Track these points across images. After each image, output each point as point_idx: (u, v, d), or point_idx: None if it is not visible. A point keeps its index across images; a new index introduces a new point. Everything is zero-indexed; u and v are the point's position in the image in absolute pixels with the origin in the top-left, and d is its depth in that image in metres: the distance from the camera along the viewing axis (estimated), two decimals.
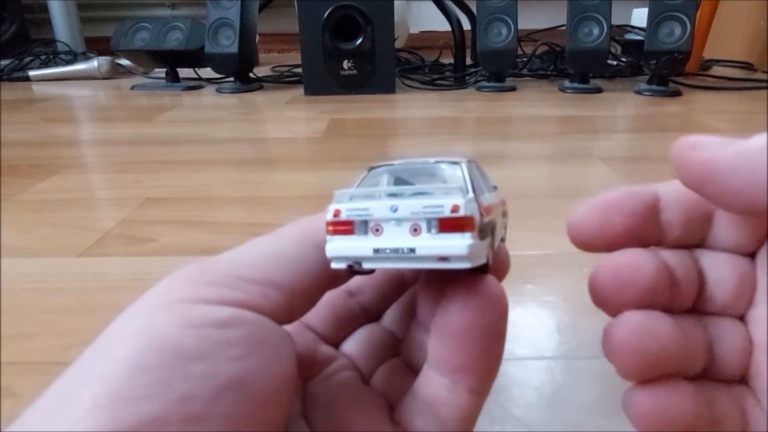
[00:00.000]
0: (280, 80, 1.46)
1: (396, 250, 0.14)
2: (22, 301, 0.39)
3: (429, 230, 0.13)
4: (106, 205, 0.59)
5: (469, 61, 1.44)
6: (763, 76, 1.32)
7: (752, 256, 0.16)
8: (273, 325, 0.14)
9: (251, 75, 1.36)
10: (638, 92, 1.18)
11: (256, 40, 1.38)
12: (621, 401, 0.16)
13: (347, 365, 0.18)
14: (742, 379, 0.16)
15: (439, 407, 0.15)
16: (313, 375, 0.18)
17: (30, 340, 0.35)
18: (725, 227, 0.16)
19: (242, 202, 0.59)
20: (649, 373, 0.15)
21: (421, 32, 2.30)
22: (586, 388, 0.29)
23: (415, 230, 0.14)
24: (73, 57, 1.72)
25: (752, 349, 0.16)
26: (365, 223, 0.14)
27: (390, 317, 0.20)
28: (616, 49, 1.43)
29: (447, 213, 0.13)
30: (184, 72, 1.43)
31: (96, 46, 1.90)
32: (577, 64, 1.20)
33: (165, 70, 1.40)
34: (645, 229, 0.17)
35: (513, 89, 1.27)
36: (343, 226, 0.14)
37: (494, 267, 0.16)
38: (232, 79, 1.33)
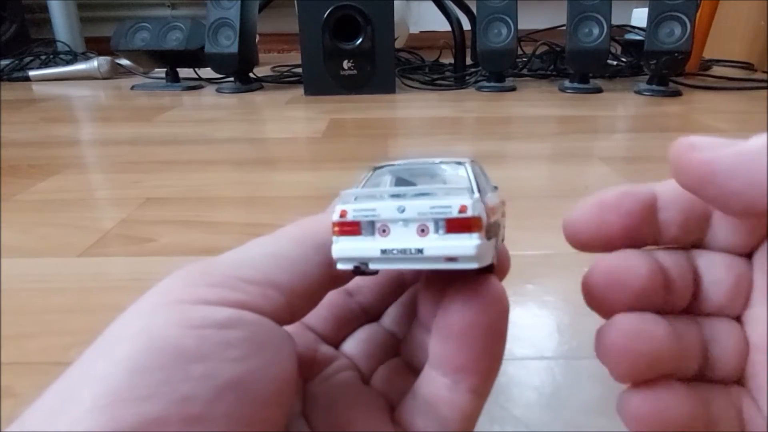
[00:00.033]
0: (280, 80, 1.46)
1: (404, 251, 0.13)
2: (22, 301, 0.39)
3: (436, 231, 0.13)
4: (106, 205, 0.59)
5: (469, 61, 1.44)
6: (763, 76, 1.32)
7: (749, 256, 0.16)
8: (273, 325, 0.14)
9: (251, 75, 1.36)
10: (638, 92, 1.18)
11: (256, 40, 1.38)
12: (616, 403, 0.16)
13: (347, 365, 0.18)
14: (739, 380, 0.16)
15: (440, 407, 0.15)
16: (313, 375, 0.18)
17: (30, 340, 0.35)
18: (722, 227, 0.16)
19: (242, 202, 0.59)
20: (643, 375, 0.15)
21: (421, 32, 2.30)
22: (586, 388, 0.29)
23: (423, 231, 0.14)
24: (73, 57, 1.72)
25: (749, 350, 0.16)
26: (372, 223, 0.14)
27: (390, 317, 0.20)
28: (616, 49, 1.43)
29: (455, 213, 0.13)
30: (184, 72, 1.43)
31: (96, 46, 1.91)
32: (577, 64, 1.20)
33: (165, 70, 1.40)
34: (642, 229, 0.16)
35: (513, 89, 1.27)
36: (350, 227, 0.14)
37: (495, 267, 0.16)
38: (232, 79, 1.33)
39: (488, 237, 0.14)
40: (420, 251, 0.13)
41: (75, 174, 0.70)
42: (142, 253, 0.47)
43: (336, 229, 0.14)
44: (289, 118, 1.04)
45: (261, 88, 1.36)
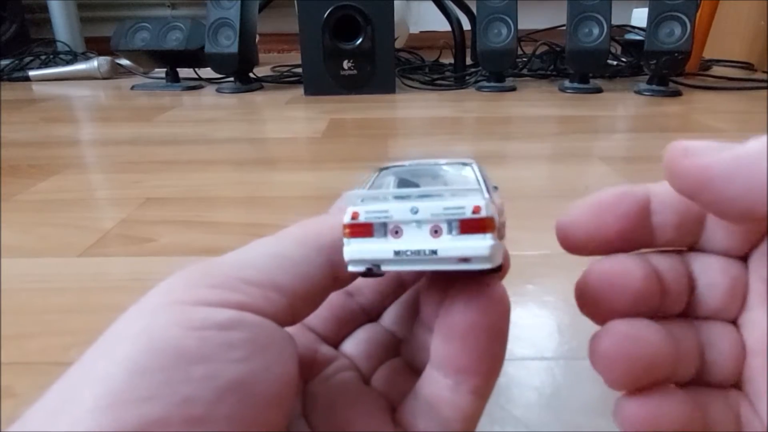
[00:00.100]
0: (280, 80, 1.46)
1: (417, 252, 0.13)
2: (22, 301, 0.39)
3: (450, 231, 0.13)
4: (106, 205, 0.59)
5: (469, 61, 1.44)
6: (763, 76, 1.32)
7: (744, 258, 0.16)
8: (275, 327, 0.14)
9: (251, 75, 1.36)
10: (638, 92, 1.18)
11: (256, 40, 1.38)
12: (612, 409, 0.16)
13: (347, 365, 0.18)
14: (736, 384, 0.16)
15: (441, 408, 0.15)
16: (313, 375, 0.18)
17: (30, 340, 0.35)
18: (717, 230, 0.16)
19: (242, 202, 0.59)
20: (639, 382, 0.15)
21: (421, 32, 2.30)
22: (586, 389, 0.29)
23: (436, 232, 0.13)
24: (73, 57, 1.72)
25: (745, 353, 0.16)
26: (384, 225, 0.14)
27: (390, 317, 0.20)
28: (616, 49, 1.43)
29: (468, 214, 0.13)
30: (184, 72, 1.43)
31: (96, 46, 1.91)
32: (577, 64, 1.20)
33: (165, 70, 1.40)
34: (636, 232, 0.16)
35: (513, 89, 1.27)
36: (362, 229, 0.14)
37: None
38: (232, 79, 1.33)
39: (500, 237, 0.14)
40: (434, 252, 0.13)
41: (75, 174, 0.70)
42: (142, 253, 0.47)
43: (347, 230, 0.14)
44: (289, 118, 1.04)
45: (261, 88, 1.36)
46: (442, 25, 1.41)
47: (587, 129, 0.90)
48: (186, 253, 0.46)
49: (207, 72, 1.37)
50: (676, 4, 1.08)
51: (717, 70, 1.49)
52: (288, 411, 0.14)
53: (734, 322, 0.16)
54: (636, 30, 1.44)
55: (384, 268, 0.14)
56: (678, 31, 1.09)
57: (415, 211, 0.14)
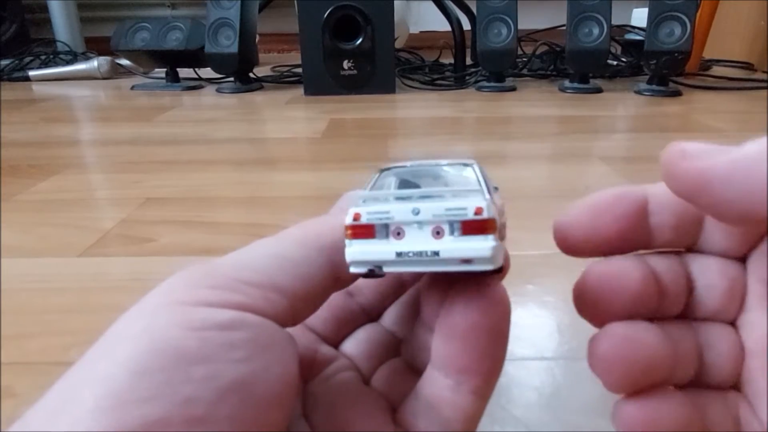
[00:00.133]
0: (280, 80, 1.46)
1: (419, 254, 0.13)
2: (22, 301, 0.39)
3: (452, 233, 0.13)
4: (106, 205, 0.59)
5: (469, 61, 1.44)
6: (763, 76, 1.32)
7: (743, 260, 0.16)
8: (276, 327, 0.14)
9: (251, 75, 1.36)
10: (638, 92, 1.18)
11: (256, 40, 1.38)
12: (611, 412, 0.16)
13: (347, 365, 0.18)
14: (735, 385, 0.16)
15: (442, 408, 0.15)
16: (314, 375, 0.18)
17: (30, 340, 0.35)
18: (716, 231, 0.16)
19: (242, 202, 0.59)
20: (637, 384, 0.15)
21: (421, 32, 2.30)
22: (586, 389, 0.29)
23: (438, 233, 0.13)
24: (73, 57, 1.72)
25: (744, 355, 0.16)
26: (386, 226, 0.14)
27: (390, 317, 0.20)
28: (616, 49, 1.43)
29: (470, 215, 0.13)
30: (184, 72, 1.43)
31: (96, 46, 1.90)
32: (577, 64, 1.20)
33: (165, 70, 1.40)
34: (633, 234, 0.16)
35: (513, 89, 1.27)
36: (363, 230, 0.14)
37: None
38: (232, 79, 1.33)
39: (501, 238, 0.14)
40: (436, 253, 0.13)
41: (75, 174, 0.70)
42: (142, 253, 0.47)
43: (349, 232, 0.14)
44: (289, 118, 1.04)
45: (261, 88, 1.36)
46: (442, 25, 1.41)
47: (587, 129, 0.90)
48: (186, 253, 0.46)
49: (207, 72, 1.37)
50: (676, 4, 1.08)
51: (717, 70, 1.49)
52: (289, 411, 0.14)
53: (733, 323, 0.16)
54: (636, 30, 1.44)
55: (386, 269, 0.14)
56: (678, 31, 1.09)
57: (416, 213, 0.14)
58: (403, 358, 0.19)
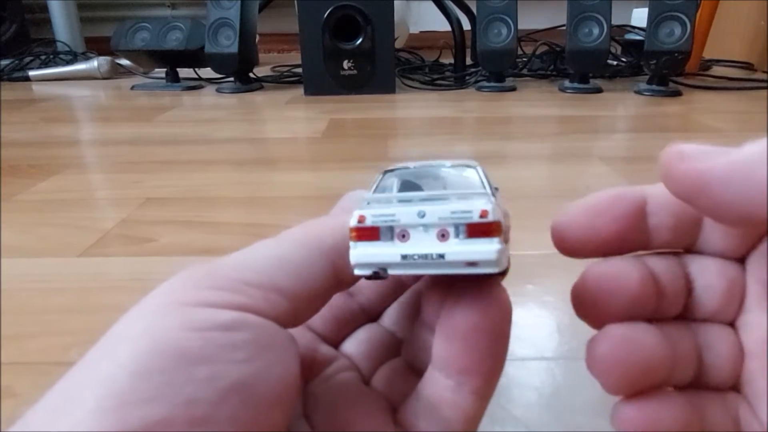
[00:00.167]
0: (280, 80, 1.46)
1: (425, 256, 0.13)
2: (22, 301, 0.39)
3: (457, 235, 0.13)
4: (106, 205, 0.59)
5: (469, 61, 1.44)
6: (763, 76, 1.32)
7: (742, 260, 0.16)
8: (277, 328, 0.14)
9: (251, 75, 1.36)
10: (638, 92, 1.18)
11: (256, 40, 1.38)
12: (610, 414, 0.16)
13: (348, 366, 0.18)
14: (734, 386, 0.16)
15: (443, 408, 0.15)
16: (314, 375, 0.18)
17: (30, 340, 0.35)
18: (714, 232, 0.16)
19: (242, 202, 0.59)
20: (636, 386, 0.15)
21: (421, 32, 2.30)
22: (586, 389, 0.29)
23: (443, 236, 0.13)
24: (73, 57, 1.72)
25: (743, 356, 0.16)
26: (391, 228, 0.14)
27: (390, 317, 0.20)
28: (616, 49, 1.43)
29: (476, 218, 0.13)
30: (184, 72, 1.43)
31: (96, 46, 1.90)
32: (577, 64, 1.20)
33: (165, 70, 1.40)
34: (631, 234, 0.16)
35: (513, 89, 1.27)
36: (368, 232, 0.14)
37: None
38: (232, 79, 1.33)
39: (505, 240, 0.14)
40: (441, 256, 0.13)
41: (75, 174, 0.70)
42: (142, 253, 0.47)
43: (354, 234, 0.14)
44: (289, 118, 1.04)
45: (261, 88, 1.36)
46: (442, 25, 1.41)
47: (587, 129, 0.90)
48: (186, 253, 0.46)
49: (207, 72, 1.37)
50: (676, 4, 1.08)
51: (717, 70, 1.49)
52: (290, 412, 0.14)
53: (732, 324, 0.16)
54: (636, 30, 1.44)
55: (391, 272, 0.14)
56: (678, 31, 1.09)
57: (422, 215, 0.14)
58: (404, 358, 0.19)
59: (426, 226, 0.14)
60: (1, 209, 0.57)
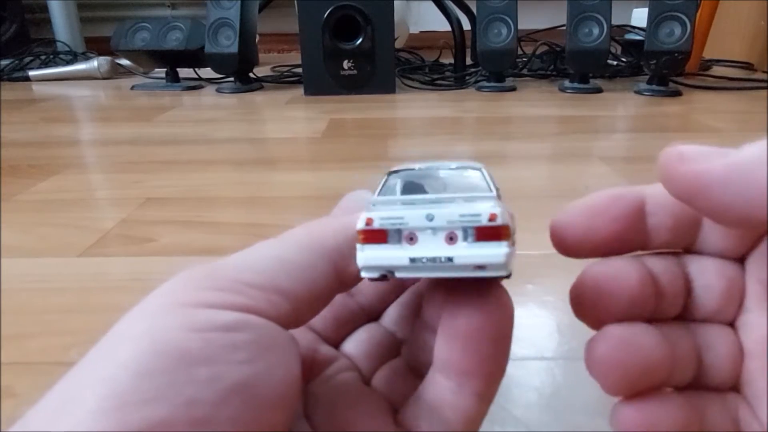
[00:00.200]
0: (280, 80, 1.46)
1: (433, 260, 0.13)
2: (22, 301, 0.39)
3: (465, 239, 0.13)
4: (106, 205, 0.59)
5: (469, 61, 1.44)
6: (763, 76, 1.32)
7: (741, 260, 0.16)
8: (278, 329, 0.14)
9: (251, 75, 1.36)
10: (638, 92, 1.18)
11: (256, 40, 1.38)
12: (609, 416, 0.16)
13: (348, 366, 0.18)
14: (734, 386, 0.16)
15: (444, 410, 0.15)
16: (314, 375, 0.18)
17: (30, 340, 0.35)
18: (713, 232, 0.16)
19: (242, 202, 0.59)
20: (635, 387, 0.15)
21: (421, 32, 2.30)
22: (586, 389, 0.29)
23: (451, 239, 0.13)
24: (73, 57, 1.72)
25: (743, 356, 0.16)
26: (399, 231, 0.14)
27: (390, 317, 0.20)
28: (616, 49, 1.43)
29: (484, 222, 0.13)
30: (184, 72, 1.43)
31: (96, 46, 1.90)
32: (577, 64, 1.20)
33: (165, 70, 1.40)
34: (630, 235, 0.16)
35: (513, 89, 1.27)
36: (376, 235, 0.14)
37: None
38: (232, 79, 1.33)
39: (512, 244, 0.14)
40: (450, 260, 0.13)
41: (75, 174, 0.70)
42: (143, 253, 0.47)
43: (361, 236, 0.14)
44: (289, 118, 1.04)
45: (261, 88, 1.36)
46: (442, 25, 1.41)
47: (587, 129, 0.90)
48: (186, 253, 0.46)
49: (207, 72, 1.37)
50: (676, 4, 1.08)
51: (717, 70, 1.49)
52: (291, 412, 0.14)
53: (731, 324, 0.16)
54: (636, 30, 1.44)
55: (398, 275, 0.14)
56: (678, 31, 1.09)
57: (430, 218, 0.14)
58: (404, 358, 0.19)
59: (434, 229, 0.14)
60: (1, 209, 0.57)
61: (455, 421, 0.15)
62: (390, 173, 0.16)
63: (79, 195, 0.62)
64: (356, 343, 0.19)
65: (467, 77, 1.36)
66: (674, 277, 0.16)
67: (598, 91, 1.21)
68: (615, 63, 1.43)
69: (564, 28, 1.19)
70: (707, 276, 0.16)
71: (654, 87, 1.17)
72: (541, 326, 0.35)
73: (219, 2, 1.25)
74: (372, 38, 1.17)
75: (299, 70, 1.32)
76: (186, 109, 1.16)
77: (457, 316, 0.15)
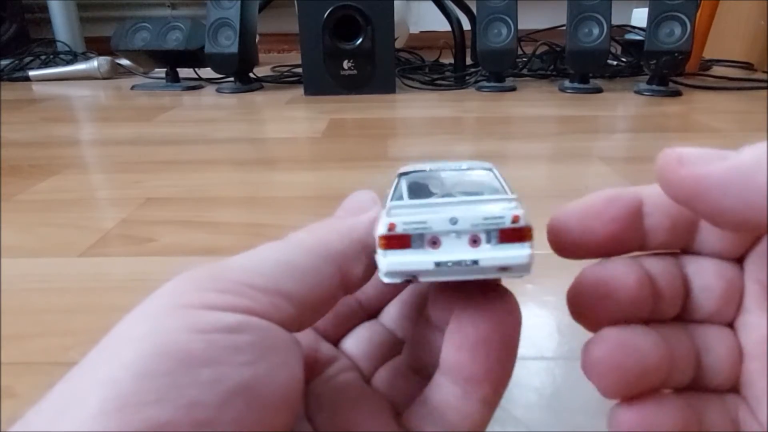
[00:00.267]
0: (280, 80, 1.46)
1: (459, 263, 0.13)
2: (22, 301, 0.39)
3: (488, 241, 0.13)
4: (106, 205, 0.59)
5: (469, 61, 1.44)
6: (763, 76, 1.32)
7: (739, 261, 0.16)
8: (281, 330, 0.14)
9: (251, 75, 1.36)
10: (638, 92, 1.18)
11: (256, 40, 1.38)
12: (607, 419, 0.16)
13: (349, 366, 0.18)
14: (733, 388, 0.16)
15: (450, 414, 0.15)
16: (315, 375, 0.18)
17: (30, 340, 0.35)
18: (711, 232, 0.16)
19: (242, 202, 0.59)
20: (633, 390, 0.15)
21: (421, 32, 2.29)
22: (586, 389, 0.29)
23: (475, 241, 0.14)
24: (73, 57, 1.72)
25: (742, 357, 0.16)
26: (422, 236, 0.14)
27: (389, 315, 0.20)
28: (616, 49, 1.43)
29: (508, 224, 0.13)
30: (184, 72, 1.43)
31: (96, 46, 1.90)
32: (577, 64, 1.20)
33: (165, 70, 1.40)
34: (627, 236, 0.16)
35: (513, 89, 1.27)
36: (399, 240, 0.14)
37: None
38: (232, 79, 1.33)
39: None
40: (475, 263, 0.13)
41: (75, 174, 0.70)
42: (143, 253, 0.47)
43: (383, 242, 0.14)
44: (289, 118, 1.04)
45: (261, 88, 1.36)
46: (442, 25, 1.41)
47: (587, 129, 0.90)
48: (186, 253, 0.46)
49: (207, 72, 1.37)
50: (676, 4, 1.08)
51: (717, 70, 1.49)
52: (293, 414, 0.14)
53: (730, 325, 0.16)
54: (636, 30, 1.44)
55: (422, 279, 0.14)
56: (678, 31, 1.09)
57: (454, 222, 0.14)
58: (405, 357, 0.19)
59: (458, 233, 0.14)
60: (1, 209, 0.57)
61: (460, 426, 0.15)
62: (401, 174, 0.16)
63: (80, 195, 0.62)
64: (356, 342, 0.19)
65: (467, 77, 1.36)
66: (672, 278, 0.16)
67: (598, 91, 1.21)
68: (615, 63, 1.43)
69: (564, 28, 1.19)
70: (705, 277, 0.16)
71: (654, 87, 1.17)
72: (541, 326, 0.35)
73: (219, 2, 1.25)
74: (372, 38, 1.17)
75: (299, 70, 1.32)
76: (186, 109, 1.16)
77: (465, 322, 0.15)
